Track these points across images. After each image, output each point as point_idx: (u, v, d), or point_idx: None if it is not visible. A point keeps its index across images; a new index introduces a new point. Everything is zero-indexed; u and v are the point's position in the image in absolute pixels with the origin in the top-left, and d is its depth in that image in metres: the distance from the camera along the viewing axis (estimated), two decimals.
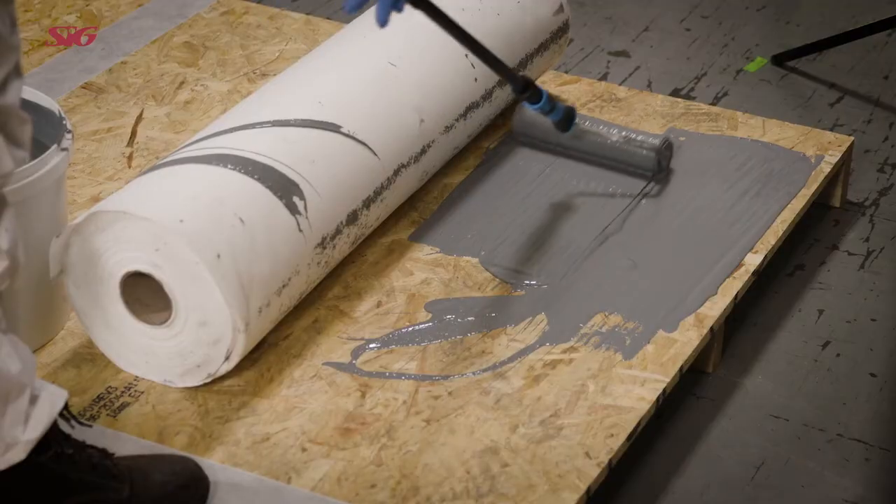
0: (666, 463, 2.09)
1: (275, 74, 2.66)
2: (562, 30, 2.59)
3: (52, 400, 1.72)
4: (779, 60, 3.04)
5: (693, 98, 2.92)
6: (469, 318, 2.16)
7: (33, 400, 1.69)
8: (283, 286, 2.03)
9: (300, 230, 2.06)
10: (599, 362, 2.08)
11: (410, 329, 2.14)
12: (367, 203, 2.19)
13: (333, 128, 2.17)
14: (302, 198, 2.07)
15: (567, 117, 2.37)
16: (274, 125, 2.14)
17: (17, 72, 1.56)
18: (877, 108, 2.90)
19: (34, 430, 1.68)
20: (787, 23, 3.21)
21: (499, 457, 1.93)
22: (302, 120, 2.15)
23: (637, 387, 2.04)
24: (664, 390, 2.04)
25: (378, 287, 2.22)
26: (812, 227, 2.54)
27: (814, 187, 2.44)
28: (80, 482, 1.76)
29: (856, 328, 2.34)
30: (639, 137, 2.42)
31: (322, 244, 2.10)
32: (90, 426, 1.84)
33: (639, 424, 1.99)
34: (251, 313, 1.97)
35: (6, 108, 1.55)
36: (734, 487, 2.05)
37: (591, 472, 1.91)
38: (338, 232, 2.14)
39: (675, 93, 2.94)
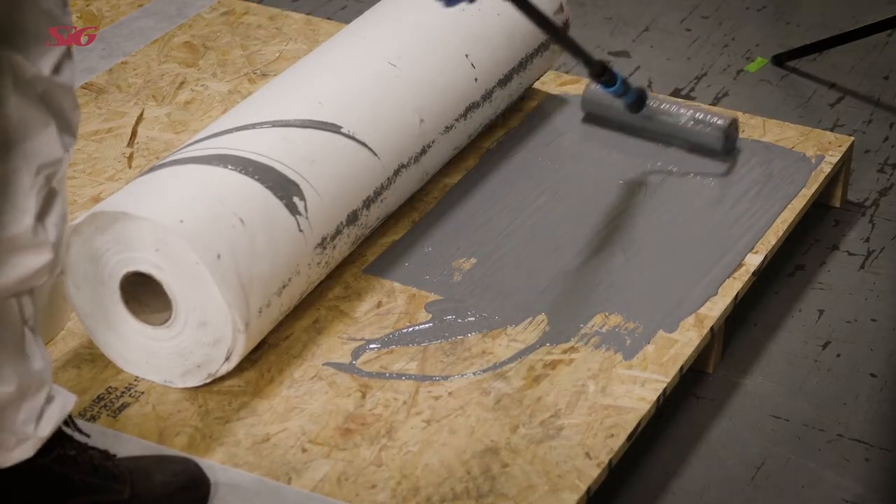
0: (666, 463, 2.09)
1: (275, 75, 2.67)
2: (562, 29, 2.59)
3: (63, 401, 1.73)
4: (779, 60, 3.04)
5: (693, 98, 2.92)
6: (469, 319, 2.16)
7: (49, 399, 1.70)
8: (284, 286, 2.03)
9: (300, 230, 2.06)
10: (599, 362, 2.08)
11: (411, 329, 2.14)
12: (368, 203, 2.19)
13: (333, 128, 2.17)
14: (302, 198, 2.07)
15: (639, 99, 2.45)
16: (274, 125, 2.14)
17: (68, 53, 1.55)
18: (877, 108, 2.90)
19: (46, 428, 1.69)
20: (788, 23, 3.21)
21: (499, 457, 1.93)
22: (302, 120, 2.15)
23: (637, 387, 2.04)
24: (664, 390, 2.04)
25: (378, 287, 2.22)
26: (812, 227, 2.54)
27: (814, 187, 2.44)
28: (82, 484, 1.76)
29: (856, 328, 2.34)
30: (707, 117, 2.48)
31: (322, 244, 2.10)
32: (88, 436, 1.84)
33: (639, 425, 1.99)
34: (251, 313, 1.97)
35: (63, 87, 1.54)
36: (734, 488, 2.05)
37: (592, 472, 1.91)
38: (338, 232, 2.14)
39: (676, 93, 2.94)
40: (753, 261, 2.27)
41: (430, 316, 2.16)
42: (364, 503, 1.87)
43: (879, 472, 2.08)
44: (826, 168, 2.48)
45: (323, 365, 2.08)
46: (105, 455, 1.81)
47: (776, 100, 2.92)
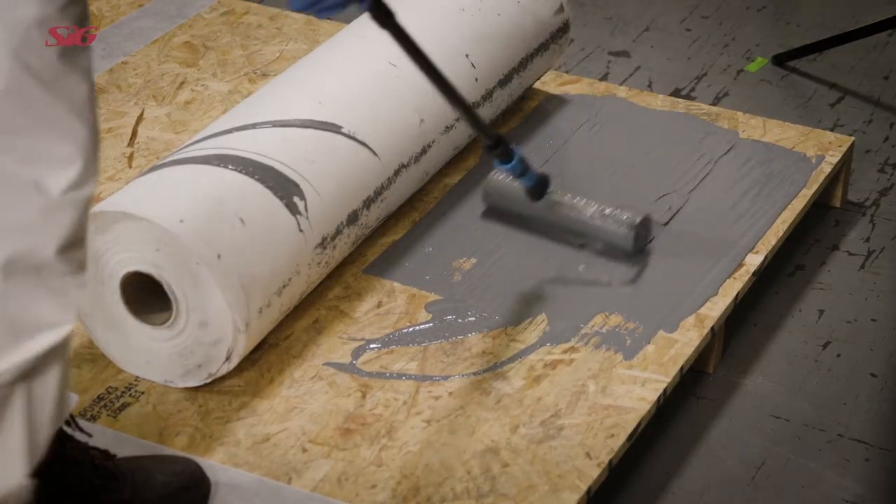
0: (666, 463, 2.09)
1: (275, 75, 2.67)
2: (562, 30, 2.59)
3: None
4: (779, 60, 3.04)
5: (693, 98, 2.92)
6: (469, 319, 2.16)
7: None
8: (284, 286, 2.03)
9: (300, 230, 2.06)
10: (600, 362, 2.08)
11: (411, 329, 2.14)
12: (368, 203, 2.19)
13: (334, 128, 2.17)
14: (302, 198, 2.07)
15: (540, 184, 2.20)
16: (274, 125, 2.14)
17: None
18: (877, 108, 2.90)
19: None
20: (788, 23, 3.21)
21: (499, 457, 1.93)
22: (302, 120, 2.15)
23: (637, 387, 2.04)
24: (664, 391, 2.04)
25: (378, 287, 2.22)
26: (812, 227, 2.54)
27: (814, 187, 2.44)
28: (83, 483, 1.76)
29: (856, 328, 2.34)
30: (616, 213, 2.25)
31: (322, 244, 2.10)
32: (90, 436, 1.84)
33: (639, 425, 1.99)
34: (252, 313, 1.97)
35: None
36: (734, 487, 2.05)
37: (592, 472, 1.91)
38: (338, 232, 2.14)
39: (676, 93, 2.94)
40: (754, 261, 2.27)
41: (431, 316, 2.16)
42: (364, 503, 1.87)
43: (879, 473, 2.08)
44: (826, 168, 2.48)
45: (323, 365, 2.08)
46: (106, 455, 1.81)
47: (776, 100, 2.92)
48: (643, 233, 2.26)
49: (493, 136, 2.10)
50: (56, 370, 1.51)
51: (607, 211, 2.25)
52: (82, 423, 1.88)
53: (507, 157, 2.12)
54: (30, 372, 1.49)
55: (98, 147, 1.47)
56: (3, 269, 1.44)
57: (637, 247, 2.25)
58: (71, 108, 1.43)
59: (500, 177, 2.31)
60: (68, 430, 1.77)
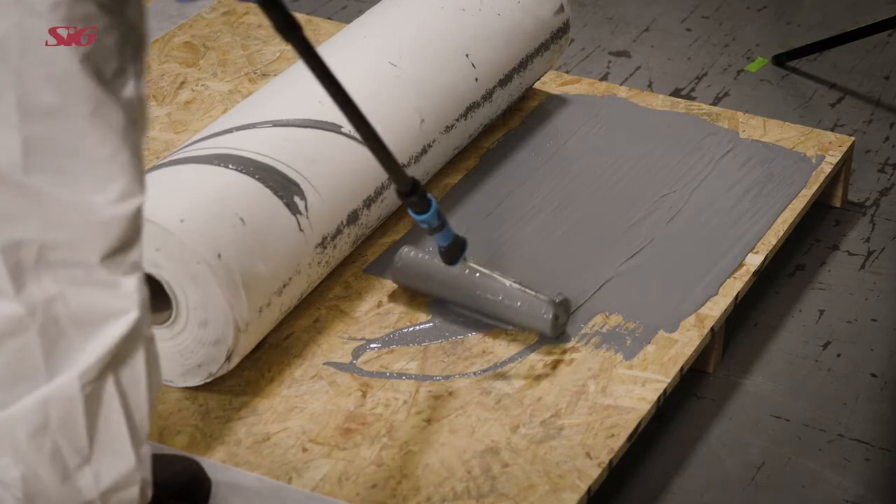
0: (666, 463, 2.09)
1: (275, 74, 2.67)
2: (562, 30, 2.60)
3: None
4: (779, 60, 3.04)
5: (694, 98, 2.92)
6: (469, 318, 2.16)
7: None
8: (284, 286, 2.03)
9: (301, 230, 2.06)
10: (600, 362, 2.08)
11: (411, 329, 2.14)
12: (368, 203, 2.19)
13: (334, 127, 2.17)
14: (303, 197, 2.07)
15: (455, 246, 2.00)
16: (275, 125, 2.14)
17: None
18: (877, 108, 2.90)
19: None
20: (788, 23, 3.21)
21: (499, 457, 1.93)
22: (303, 120, 2.15)
23: (638, 387, 2.04)
24: (665, 391, 2.04)
25: (379, 287, 2.22)
26: (813, 227, 2.54)
27: (814, 187, 2.44)
28: None
29: (856, 328, 2.34)
30: (533, 292, 2.09)
31: (323, 244, 2.10)
32: None
33: (639, 425, 1.99)
34: (252, 313, 1.97)
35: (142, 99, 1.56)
36: (735, 487, 2.05)
37: (592, 472, 1.91)
38: (338, 231, 2.14)
39: (676, 93, 2.94)
40: (754, 261, 2.27)
41: (431, 315, 2.16)
42: (364, 503, 1.87)
43: (880, 472, 2.08)
44: (826, 168, 2.48)
45: (323, 364, 2.08)
46: None
47: (776, 100, 2.92)
48: (562, 315, 2.09)
49: (408, 181, 1.90)
50: (138, 354, 1.57)
51: (524, 290, 2.08)
52: None
53: (423, 206, 1.93)
54: (112, 363, 1.55)
55: (142, 165, 1.51)
56: (54, 277, 1.50)
57: (556, 331, 2.09)
58: (112, 130, 1.47)
59: (412, 253, 2.16)
60: None
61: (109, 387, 1.56)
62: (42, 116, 1.43)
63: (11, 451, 1.58)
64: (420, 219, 1.94)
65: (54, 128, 1.44)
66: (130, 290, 1.53)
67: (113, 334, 1.54)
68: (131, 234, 1.51)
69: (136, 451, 1.60)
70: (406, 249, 2.18)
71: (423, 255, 2.15)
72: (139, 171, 1.50)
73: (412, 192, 1.90)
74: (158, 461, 1.87)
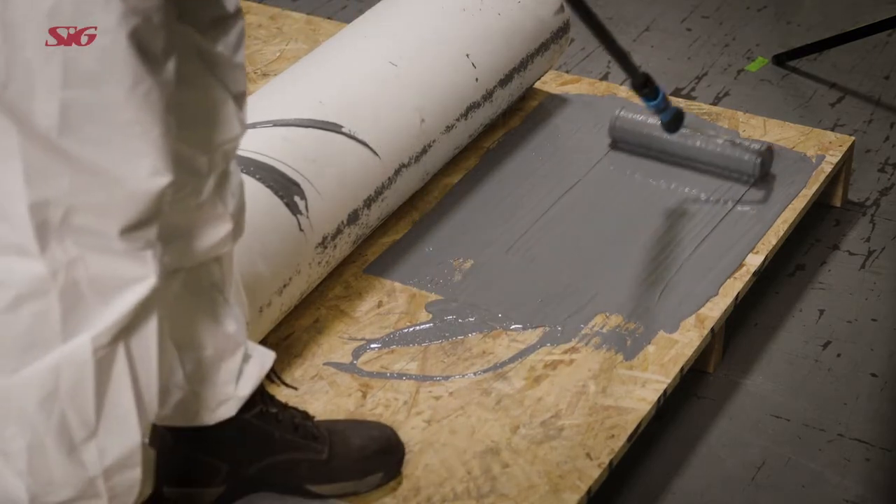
0: (666, 463, 2.09)
1: (275, 74, 2.66)
2: (563, 29, 2.60)
3: (261, 360, 1.76)
4: (780, 60, 3.04)
5: (694, 98, 2.92)
6: (470, 319, 2.16)
7: (246, 359, 1.74)
8: (284, 286, 2.03)
9: (301, 230, 2.06)
10: (600, 363, 2.08)
11: (411, 329, 2.14)
12: (368, 203, 2.19)
13: (334, 127, 2.17)
14: (303, 197, 2.07)
15: (676, 118, 2.38)
16: (275, 125, 2.14)
17: (243, 33, 1.62)
18: (878, 107, 2.90)
19: (245, 388, 1.73)
20: (788, 23, 3.21)
21: (500, 457, 1.93)
22: (303, 120, 2.15)
23: (638, 387, 2.04)
24: (665, 391, 2.04)
25: (379, 287, 2.22)
26: (813, 227, 2.54)
27: (815, 187, 2.44)
28: (283, 441, 1.81)
29: (856, 328, 2.34)
30: (741, 142, 2.43)
31: (323, 244, 2.10)
32: (295, 388, 1.92)
33: (640, 425, 1.99)
34: (252, 313, 1.97)
35: (239, 66, 1.61)
36: (735, 487, 2.05)
37: (592, 472, 1.90)
38: (339, 231, 2.14)
39: (676, 93, 2.94)
40: (754, 261, 2.27)
41: (431, 316, 2.16)
42: (365, 503, 1.87)
43: (880, 472, 2.08)
44: (827, 168, 2.48)
45: (323, 364, 2.08)
46: (305, 415, 1.85)
47: (777, 99, 2.92)
48: (768, 160, 2.43)
49: (641, 75, 2.31)
50: (151, 328, 1.58)
51: (734, 140, 2.43)
52: None
53: (654, 94, 2.32)
54: (125, 330, 1.56)
55: (171, 146, 1.52)
56: (76, 241, 1.52)
57: (762, 172, 2.42)
58: (149, 106, 1.48)
59: (625, 114, 2.50)
60: (272, 383, 1.83)
61: (120, 357, 1.57)
62: (82, 83, 1.45)
63: (18, 419, 1.59)
64: (651, 104, 2.34)
65: (92, 95, 1.46)
66: (148, 259, 1.55)
67: (129, 300, 1.55)
68: (152, 213, 1.53)
69: (142, 429, 1.61)
70: (623, 111, 2.51)
71: (640, 118, 2.48)
72: (169, 152, 1.51)
73: (645, 85, 2.32)
74: (357, 424, 1.91)
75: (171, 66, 1.49)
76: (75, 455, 1.60)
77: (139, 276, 1.55)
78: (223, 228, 1.63)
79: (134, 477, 1.62)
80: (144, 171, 1.50)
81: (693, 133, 2.46)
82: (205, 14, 1.53)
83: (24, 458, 1.60)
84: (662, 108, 2.36)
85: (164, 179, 1.51)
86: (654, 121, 2.43)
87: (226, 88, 1.59)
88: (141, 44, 1.45)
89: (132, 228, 1.52)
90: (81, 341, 1.55)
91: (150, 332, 1.58)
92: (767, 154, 2.43)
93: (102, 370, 1.57)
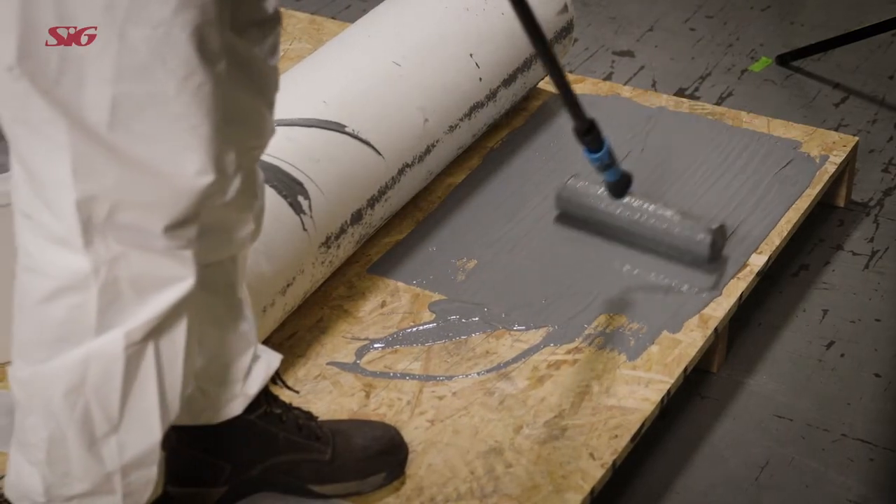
0: (670, 463, 2.09)
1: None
2: (566, 29, 2.59)
3: (269, 360, 1.77)
4: (783, 60, 3.04)
5: (697, 98, 2.92)
6: (473, 319, 2.16)
7: (255, 358, 1.75)
8: (288, 285, 2.03)
9: (305, 229, 2.06)
10: (604, 363, 2.08)
11: (415, 329, 2.14)
12: (372, 202, 2.19)
13: (338, 127, 2.17)
14: (307, 197, 2.07)
15: (623, 181, 2.13)
16: (279, 124, 2.13)
17: (279, 35, 1.59)
18: (881, 108, 2.90)
19: (252, 387, 1.74)
20: (792, 23, 3.21)
21: (503, 457, 1.93)
22: (307, 119, 2.15)
23: (641, 388, 2.04)
24: (668, 391, 2.04)
25: (382, 287, 2.22)
26: (816, 227, 2.54)
27: (818, 187, 2.44)
28: (287, 441, 1.81)
29: (860, 328, 2.34)
30: (691, 220, 2.25)
31: (326, 243, 2.10)
32: (297, 392, 1.92)
33: (643, 425, 1.99)
34: (256, 313, 1.97)
35: (274, 69, 1.58)
36: (738, 487, 2.05)
37: (596, 472, 1.90)
38: (342, 231, 2.14)
39: (680, 92, 2.94)
40: (758, 261, 2.27)
41: (434, 316, 2.16)
42: (367, 503, 1.87)
43: (883, 473, 2.08)
44: (830, 168, 2.48)
45: (327, 364, 2.08)
46: (308, 416, 1.86)
47: (780, 99, 2.92)
48: (719, 240, 2.24)
49: (586, 119, 2.00)
50: (181, 329, 1.57)
51: (683, 218, 2.24)
52: None
53: (597, 145, 2.03)
54: (157, 329, 1.55)
55: (218, 145, 1.51)
56: (119, 238, 1.51)
57: (713, 254, 2.23)
58: (200, 101, 1.47)
59: (575, 183, 2.31)
60: (276, 386, 1.84)
61: (150, 355, 1.57)
62: (135, 76, 1.44)
63: (43, 410, 1.58)
64: (593, 157, 2.04)
65: (144, 88, 1.44)
66: (188, 259, 1.54)
67: (166, 300, 1.55)
68: (195, 211, 1.52)
69: (163, 429, 1.61)
70: (572, 180, 2.31)
71: (587, 185, 2.29)
72: (216, 151, 1.50)
73: (589, 132, 2.00)
74: (360, 424, 1.91)
75: (223, 62, 1.47)
76: (95, 449, 1.60)
77: (178, 276, 1.54)
78: (246, 229, 1.62)
79: (150, 475, 1.63)
80: (192, 168, 1.48)
81: (642, 206, 2.26)
82: (244, 15, 1.51)
83: (43, 448, 1.60)
84: (607, 164, 2.07)
85: (208, 178, 1.50)
86: (603, 192, 2.23)
87: (259, 92, 1.57)
88: (194, 36, 1.43)
89: (175, 226, 1.51)
90: (114, 336, 1.55)
91: (180, 332, 1.58)
92: (719, 233, 2.24)
93: (131, 367, 1.56)
